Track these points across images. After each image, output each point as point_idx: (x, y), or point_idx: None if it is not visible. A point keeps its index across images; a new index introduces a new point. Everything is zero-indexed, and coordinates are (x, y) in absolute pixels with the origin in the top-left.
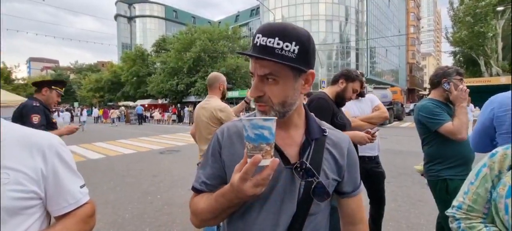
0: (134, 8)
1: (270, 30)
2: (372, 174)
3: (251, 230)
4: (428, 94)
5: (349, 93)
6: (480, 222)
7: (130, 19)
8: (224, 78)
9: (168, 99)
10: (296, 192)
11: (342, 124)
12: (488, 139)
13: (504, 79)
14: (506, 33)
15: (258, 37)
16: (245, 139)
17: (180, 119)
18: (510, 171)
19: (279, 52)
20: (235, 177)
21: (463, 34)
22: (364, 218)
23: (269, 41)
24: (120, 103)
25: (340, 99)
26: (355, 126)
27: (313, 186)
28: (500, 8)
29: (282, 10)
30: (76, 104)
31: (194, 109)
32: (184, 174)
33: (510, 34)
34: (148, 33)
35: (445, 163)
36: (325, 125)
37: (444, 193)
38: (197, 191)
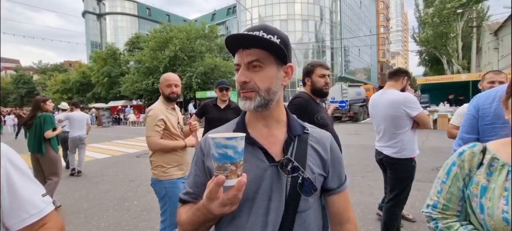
0: (104, 4)
1: (256, 27)
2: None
3: None
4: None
5: (319, 83)
6: (456, 221)
7: (100, 16)
8: (163, 79)
9: (143, 100)
10: (283, 190)
11: (324, 124)
12: (475, 132)
13: (464, 76)
14: (465, 34)
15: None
16: (211, 157)
17: None
18: (481, 168)
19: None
20: (204, 194)
21: (429, 34)
22: (351, 218)
23: (255, 33)
24: (91, 105)
25: (318, 92)
26: None
27: (299, 181)
28: (459, 11)
29: (259, 9)
30: None
31: None
32: None
33: (468, 35)
34: (119, 31)
35: None
36: (307, 125)
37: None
38: (181, 201)
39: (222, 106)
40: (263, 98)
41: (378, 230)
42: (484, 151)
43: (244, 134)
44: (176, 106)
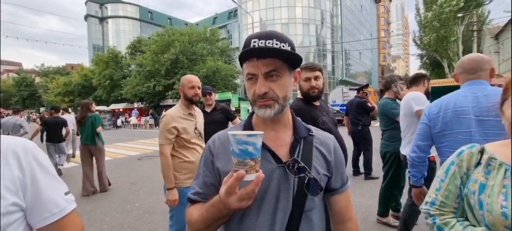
0: (106, 8)
1: (266, 35)
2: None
3: None
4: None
5: (304, 87)
6: (452, 217)
7: (102, 19)
8: (185, 80)
9: (144, 102)
10: (290, 189)
11: (326, 129)
12: (429, 139)
13: None
14: (466, 37)
15: (254, 42)
16: (231, 153)
17: (157, 123)
18: (478, 167)
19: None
20: (222, 189)
21: (431, 38)
22: (353, 217)
23: (268, 42)
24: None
25: (305, 96)
26: None
27: (306, 181)
28: (459, 15)
29: (260, 13)
30: (42, 109)
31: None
32: None
33: (469, 39)
34: (121, 35)
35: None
36: (311, 127)
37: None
38: (191, 201)
39: (209, 110)
40: (281, 105)
41: None
42: (482, 151)
43: (262, 132)
44: (197, 109)
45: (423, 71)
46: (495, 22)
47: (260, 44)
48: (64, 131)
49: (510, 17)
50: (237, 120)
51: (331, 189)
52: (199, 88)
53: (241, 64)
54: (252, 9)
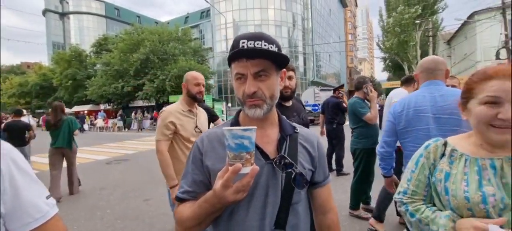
0: (68, 3)
1: (254, 36)
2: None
3: (241, 227)
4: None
5: (281, 86)
6: (422, 204)
7: (63, 15)
8: (190, 77)
9: (111, 104)
10: (279, 184)
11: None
12: (395, 135)
13: None
14: (423, 42)
15: (243, 42)
16: (226, 148)
17: (126, 125)
18: (443, 158)
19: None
20: (218, 183)
21: (393, 42)
22: (334, 208)
23: (257, 44)
24: None
25: (281, 97)
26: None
27: (293, 176)
28: (417, 21)
29: (233, 13)
30: None
31: (142, 115)
32: (137, 184)
33: (426, 43)
34: (85, 32)
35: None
36: (296, 125)
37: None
38: (180, 200)
39: None
40: (269, 105)
41: (352, 226)
42: (445, 144)
43: (255, 127)
44: (200, 108)
45: (386, 73)
46: (447, 29)
47: (249, 45)
48: (27, 135)
49: (460, 24)
50: (219, 121)
51: (314, 182)
52: (203, 85)
53: (229, 65)
54: (225, 9)
